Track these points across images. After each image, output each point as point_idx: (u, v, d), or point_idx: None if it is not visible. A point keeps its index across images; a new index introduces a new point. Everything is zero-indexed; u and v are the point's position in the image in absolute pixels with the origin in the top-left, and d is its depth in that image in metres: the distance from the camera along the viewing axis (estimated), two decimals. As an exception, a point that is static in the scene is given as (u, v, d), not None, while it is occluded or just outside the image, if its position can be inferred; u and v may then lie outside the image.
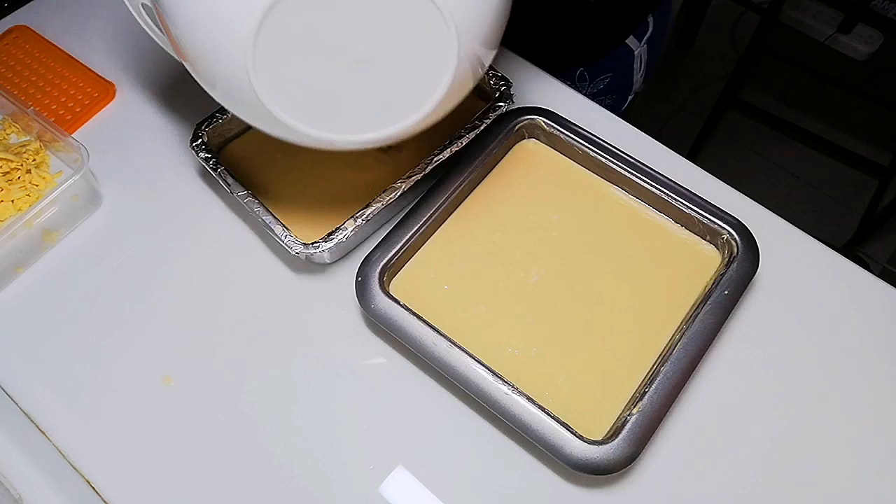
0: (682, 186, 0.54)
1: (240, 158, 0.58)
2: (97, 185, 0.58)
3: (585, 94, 0.75)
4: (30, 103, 0.61)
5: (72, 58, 0.66)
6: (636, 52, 0.76)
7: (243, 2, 0.35)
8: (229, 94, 0.41)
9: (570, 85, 0.74)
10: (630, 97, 0.83)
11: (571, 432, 0.44)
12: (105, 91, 0.64)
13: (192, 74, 0.42)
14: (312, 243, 0.50)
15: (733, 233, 0.51)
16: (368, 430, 0.49)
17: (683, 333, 0.48)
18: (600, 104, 0.62)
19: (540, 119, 0.57)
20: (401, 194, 0.52)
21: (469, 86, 0.43)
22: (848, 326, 0.52)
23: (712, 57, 1.72)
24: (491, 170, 0.57)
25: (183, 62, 0.42)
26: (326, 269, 0.55)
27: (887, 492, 0.47)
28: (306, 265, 0.55)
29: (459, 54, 0.38)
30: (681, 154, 0.60)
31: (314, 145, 0.43)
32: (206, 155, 0.54)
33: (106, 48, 0.67)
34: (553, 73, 0.66)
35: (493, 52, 0.44)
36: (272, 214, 0.51)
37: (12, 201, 0.56)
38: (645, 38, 0.76)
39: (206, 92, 0.43)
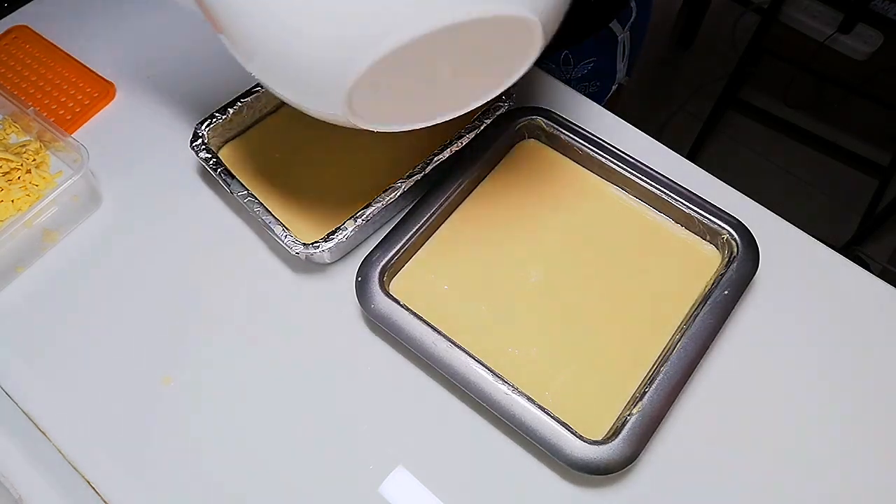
0: (682, 186, 0.54)
1: (240, 158, 0.58)
2: (97, 185, 0.58)
3: (570, 78, 0.76)
4: (30, 103, 0.61)
5: (72, 58, 0.66)
6: (619, 38, 0.77)
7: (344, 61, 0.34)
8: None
9: (554, 68, 0.74)
10: (614, 87, 0.84)
11: (571, 432, 0.44)
12: (105, 91, 0.64)
13: (227, 42, 0.40)
14: (312, 243, 0.50)
15: (733, 233, 0.51)
16: (368, 430, 0.49)
17: (683, 333, 0.48)
18: (584, 90, 0.62)
19: (540, 119, 0.57)
20: (401, 194, 0.52)
21: None
22: (848, 326, 0.52)
23: (712, 57, 1.72)
24: (491, 170, 0.57)
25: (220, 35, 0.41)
26: (326, 269, 0.55)
27: (887, 492, 0.47)
28: (306, 265, 0.55)
29: (542, 45, 0.39)
30: (681, 154, 0.60)
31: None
32: (206, 155, 0.54)
33: (106, 48, 0.67)
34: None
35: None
36: (272, 214, 0.51)
37: (12, 201, 0.56)
38: (628, 25, 0.77)
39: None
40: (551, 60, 0.76)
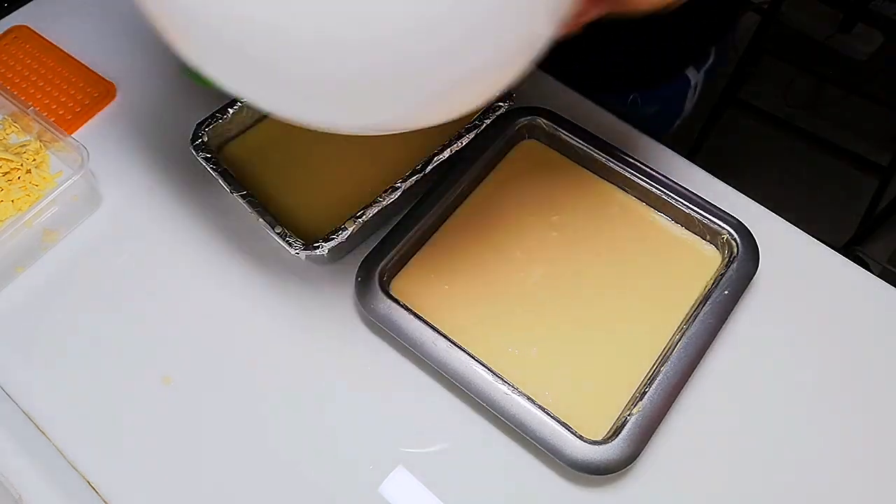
0: (682, 186, 0.54)
1: (240, 158, 0.58)
2: (97, 185, 0.58)
3: (635, 114, 0.71)
4: (30, 103, 0.61)
5: (72, 58, 0.66)
6: (693, 82, 0.74)
7: None
8: None
9: (621, 108, 0.69)
10: (677, 122, 0.80)
11: (571, 432, 0.44)
12: (105, 91, 0.64)
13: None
14: (312, 243, 0.50)
15: (733, 233, 0.51)
16: (368, 430, 0.49)
17: (683, 333, 0.48)
18: (645, 126, 0.59)
19: (540, 119, 0.57)
20: (401, 194, 0.52)
21: None
22: (848, 326, 0.52)
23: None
24: (491, 169, 0.57)
25: None
26: (326, 269, 0.55)
27: (887, 491, 0.47)
28: (306, 265, 0.55)
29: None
30: (681, 154, 0.60)
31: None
32: (206, 155, 0.54)
33: (106, 48, 0.67)
34: (606, 96, 0.64)
35: None
36: (272, 214, 0.51)
37: (12, 201, 0.56)
38: (704, 69, 0.73)
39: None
40: (618, 101, 0.71)
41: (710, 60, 0.74)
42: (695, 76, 0.73)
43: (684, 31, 0.68)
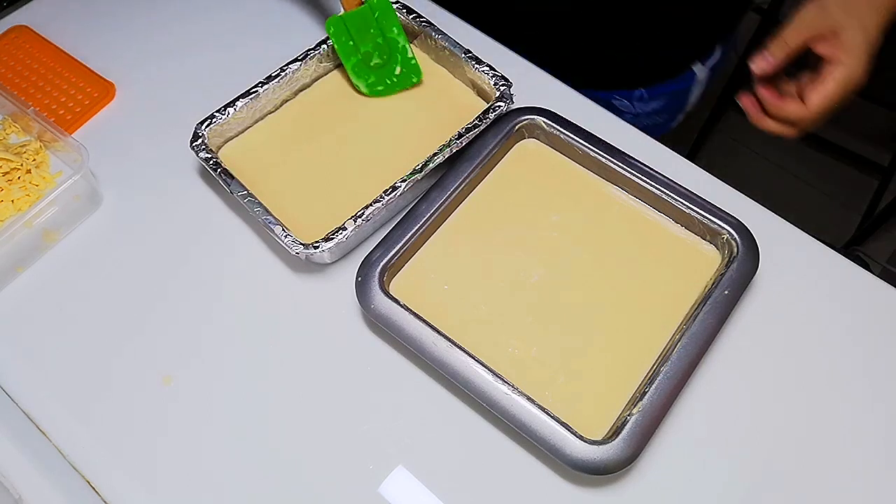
0: (682, 186, 0.54)
1: (240, 158, 0.58)
2: (97, 185, 0.58)
3: (639, 113, 0.74)
4: (30, 103, 0.61)
5: (72, 58, 0.66)
6: (698, 77, 0.75)
7: None
8: None
9: (627, 104, 0.72)
10: (680, 116, 0.82)
11: (571, 432, 0.44)
12: (105, 91, 0.64)
13: None
14: (312, 243, 0.50)
15: (733, 233, 0.51)
16: (368, 430, 0.49)
17: (683, 333, 0.48)
18: (647, 123, 0.61)
19: (540, 119, 0.57)
20: (401, 194, 0.52)
21: None
22: (848, 326, 0.52)
23: (712, 57, 1.72)
24: (491, 170, 0.57)
25: None
26: (326, 269, 0.55)
27: (887, 491, 0.47)
28: (306, 265, 0.55)
29: None
30: (681, 154, 0.60)
31: None
32: (206, 155, 0.54)
33: (106, 48, 0.67)
34: (614, 93, 0.66)
35: None
36: (272, 214, 0.51)
37: (12, 201, 0.56)
38: (710, 64, 0.75)
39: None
40: (623, 96, 0.74)
41: (717, 56, 0.75)
42: (701, 71, 0.75)
43: (692, 26, 0.69)
